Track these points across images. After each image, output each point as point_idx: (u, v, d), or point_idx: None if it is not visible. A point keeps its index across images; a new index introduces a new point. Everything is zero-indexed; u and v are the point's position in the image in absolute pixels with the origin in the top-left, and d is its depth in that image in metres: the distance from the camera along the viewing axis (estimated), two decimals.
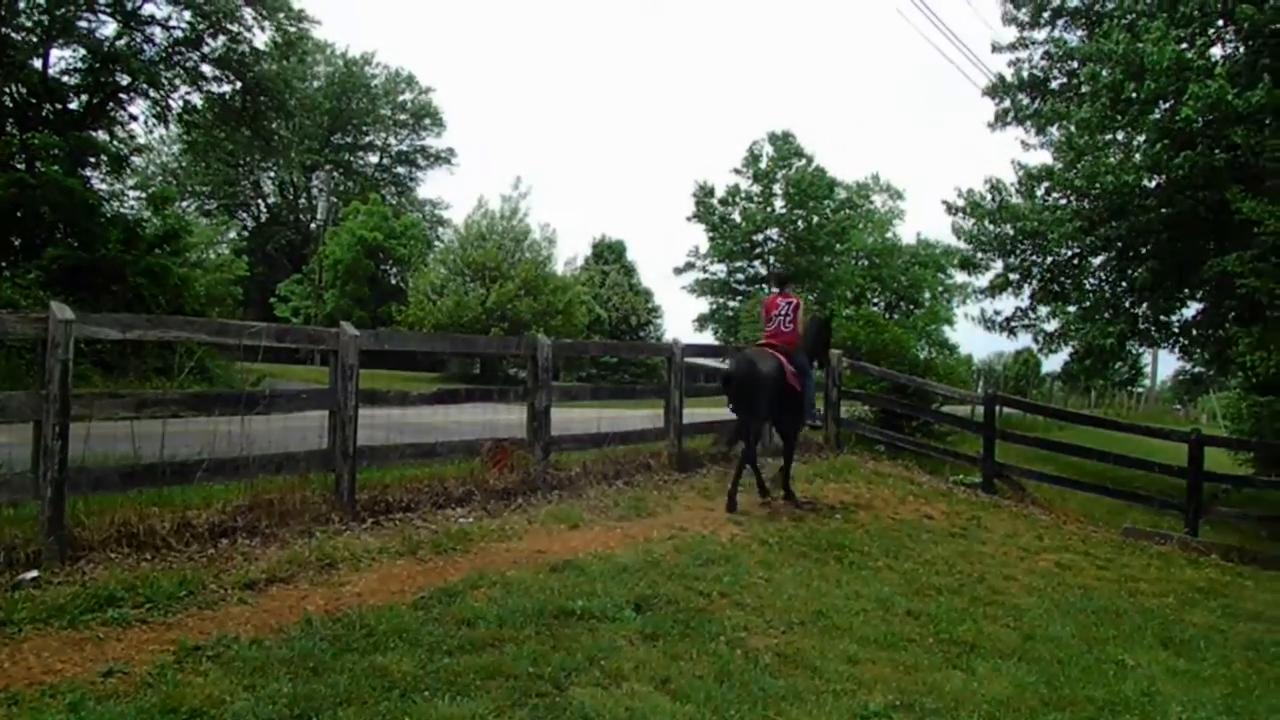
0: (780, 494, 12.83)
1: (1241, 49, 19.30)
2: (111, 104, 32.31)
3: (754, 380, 12.22)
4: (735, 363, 12.87)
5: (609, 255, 70.17)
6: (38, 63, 29.87)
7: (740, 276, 75.27)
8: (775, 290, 13.80)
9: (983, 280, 25.04)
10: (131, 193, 36.37)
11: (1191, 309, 22.93)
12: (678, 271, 76.31)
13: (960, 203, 24.64)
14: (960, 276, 32.07)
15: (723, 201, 73.98)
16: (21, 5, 29.24)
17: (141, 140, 38.10)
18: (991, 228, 23.94)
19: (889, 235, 78.70)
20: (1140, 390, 65.53)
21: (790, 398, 12.58)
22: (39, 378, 7.36)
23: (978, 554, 11.46)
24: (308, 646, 5.89)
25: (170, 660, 5.59)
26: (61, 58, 31.04)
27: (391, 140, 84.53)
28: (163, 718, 4.82)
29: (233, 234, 75.29)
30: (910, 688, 6.42)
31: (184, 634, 6.04)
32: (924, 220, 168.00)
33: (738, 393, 12.44)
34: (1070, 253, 23.05)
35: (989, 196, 24.05)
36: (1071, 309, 23.12)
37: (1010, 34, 24.80)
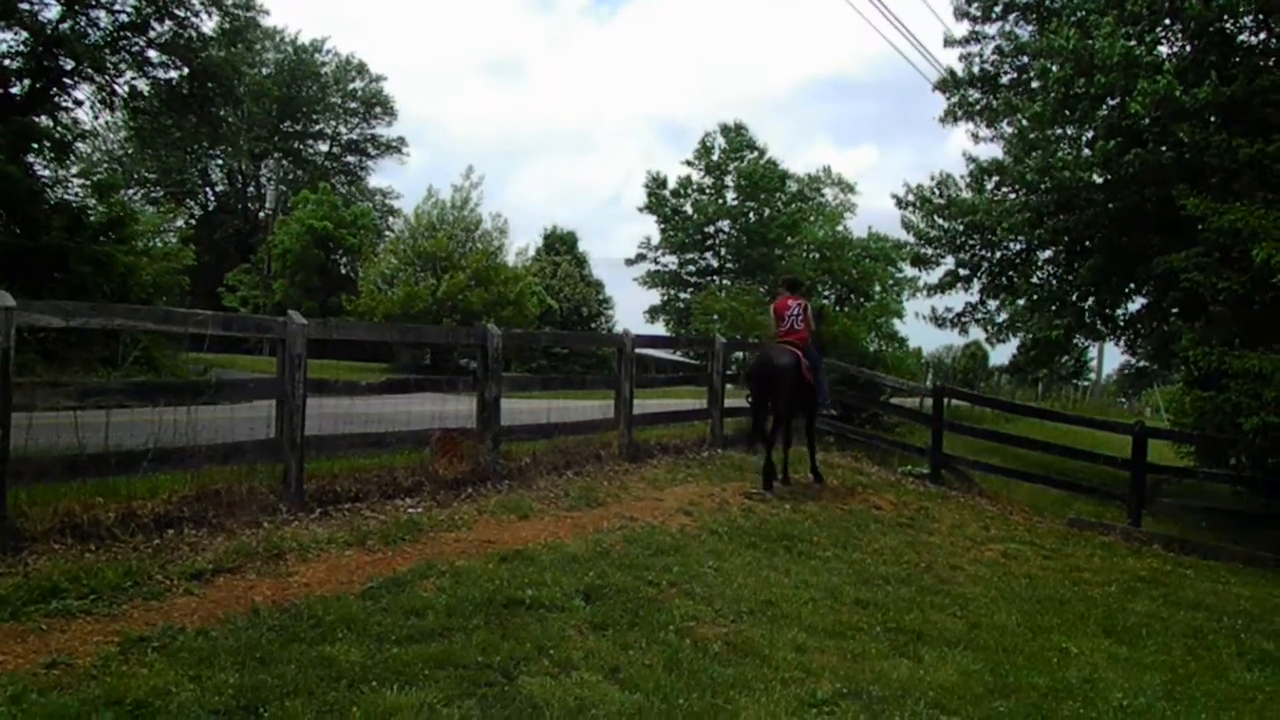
0: (809, 476, 14.43)
1: (1188, 46, 19.49)
2: (55, 89, 31.76)
3: (773, 374, 13.38)
4: (756, 358, 14.24)
5: (560, 246, 70.04)
6: None
7: (691, 268, 75.52)
8: (785, 293, 14.58)
9: (933, 276, 25.15)
10: (76, 179, 35.70)
11: (1136, 303, 23.15)
12: (629, 263, 76.50)
13: (910, 197, 24.73)
14: (911, 270, 32.30)
15: (674, 193, 74.18)
16: None
17: (86, 126, 37.43)
18: (941, 222, 24.04)
19: (840, 228, 78.87)
20: (1086, 384, 66.27)
21: (806, 389, 13.90)
22: None
23: (925, 544, 11.56)
24: (255, 637, 5.87)
25: (115, 651, 5.55)
26: (3, 40, 30.50)
27: (342, 129, 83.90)
28: (107, 709, 4.78)
29: (180, 222, 74.09)
30: (858, 676, 6.46)
31: (129, 625, 6.00)
32: (875, 214, 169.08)
33: (759, 386, 13.65)
34: (1019, 246, 23.17)
35: (937, 191, 24.15)
36: (1020, 302, 23.28)
37: (963, 29, 24.90)
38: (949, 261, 24.70)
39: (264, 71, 72.97)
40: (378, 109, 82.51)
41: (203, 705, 4.91)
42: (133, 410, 8.68)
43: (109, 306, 10.75)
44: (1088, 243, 21.77)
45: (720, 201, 73.29)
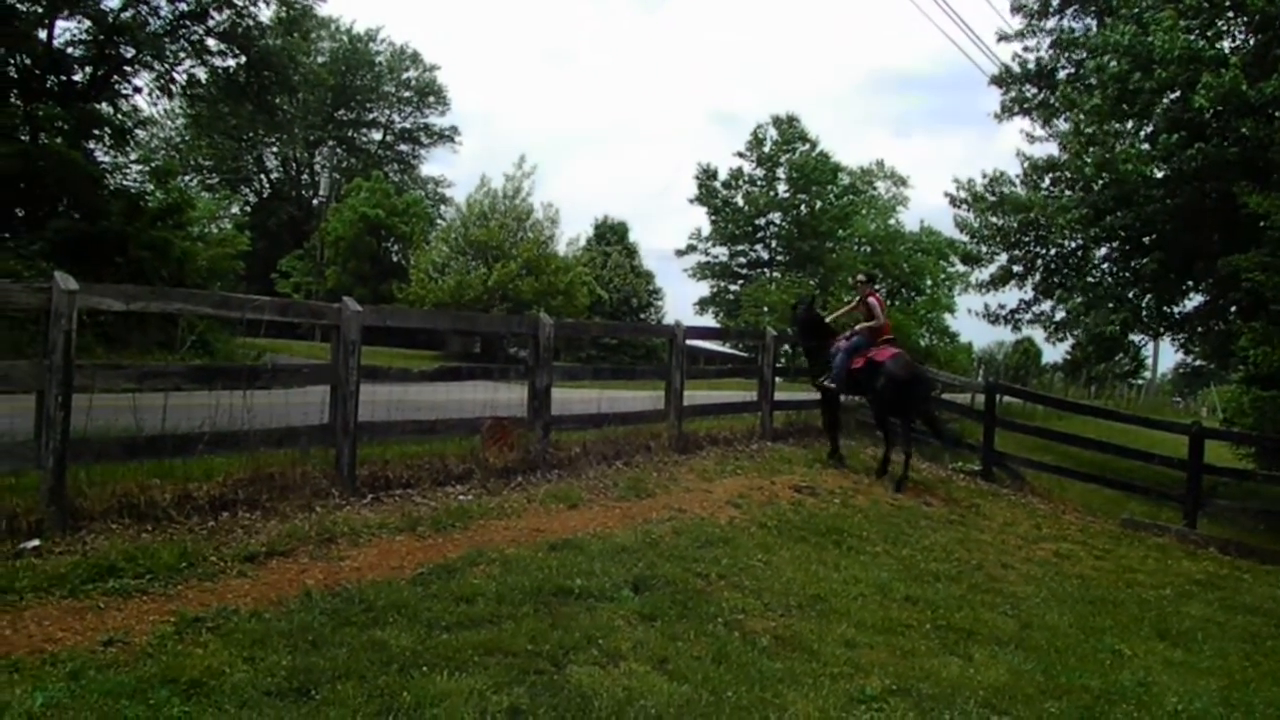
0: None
1: (1251, 40, 19.22)
2: (116, 76, 32.14)
3: (920, 381, 14.89)
4: (902, 364, 14.42)
5: (611, 236, 70.13)
6: (43, 34, 29.75)
7: (742, 260, 75.35)
8: (875, 288, 15.82)
9: (985, 273, 24.96)
10: (135, 166, 36.14)
11: (1195, 300, 22.89)
12: (679, 254, 76.44)
13: (962, 195, 24.56)
14: (963, 265, 32.03)
15: (725, 185, 74.04)
16: None
17: (145, 113, 37.86)
18: (994, 220, 23.86)
19: (892, 222, 78.59)
20: (1140, 382, 65.49)
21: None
22: (42, 348, 7.36)
23: (976, 541, 11.49)
24: (307, 620, 5.92)
25: (170, 631, 5.62)
26: (66, 29, 30.86)
27: (395, 117, 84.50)
28: (163, 688, 4.83)
29: (235, 209, 74.98)
30: (908, 673, 6.43)
31: (184, 605, 6.07)
32: (928, 207, 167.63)
33: (907, 392, 14.24)
34: (1074, 243, 22.98)
35: (991, 188, 23.97)
36: (1077, 299, 23.04)
37: (1018, 23, 24.71)
38: (1002, 258, 24.52)
39: (319, 60, 73.42)
40: (431, 98, 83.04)
41: (256, 686, 4.96)
42: (189, 393, 8.78)
43: (168, 291, 10.86)
44: (1146, 239, 21.53)
45: (771, 193, 73.08)
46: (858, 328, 15.19)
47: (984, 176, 24.35)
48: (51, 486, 7.12)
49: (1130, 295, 22.47)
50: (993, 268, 24.72)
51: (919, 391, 14.58)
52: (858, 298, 15.85)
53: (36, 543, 6.80)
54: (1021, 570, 10.40)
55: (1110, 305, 22.06)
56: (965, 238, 25.31)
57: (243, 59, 32.95)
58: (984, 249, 24.60)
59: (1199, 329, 22.92)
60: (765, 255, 75.24)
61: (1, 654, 5.14)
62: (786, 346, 19.54)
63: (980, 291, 25.31)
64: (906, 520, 11.94)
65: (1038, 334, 25.84)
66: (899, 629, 7.43)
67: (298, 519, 8.25)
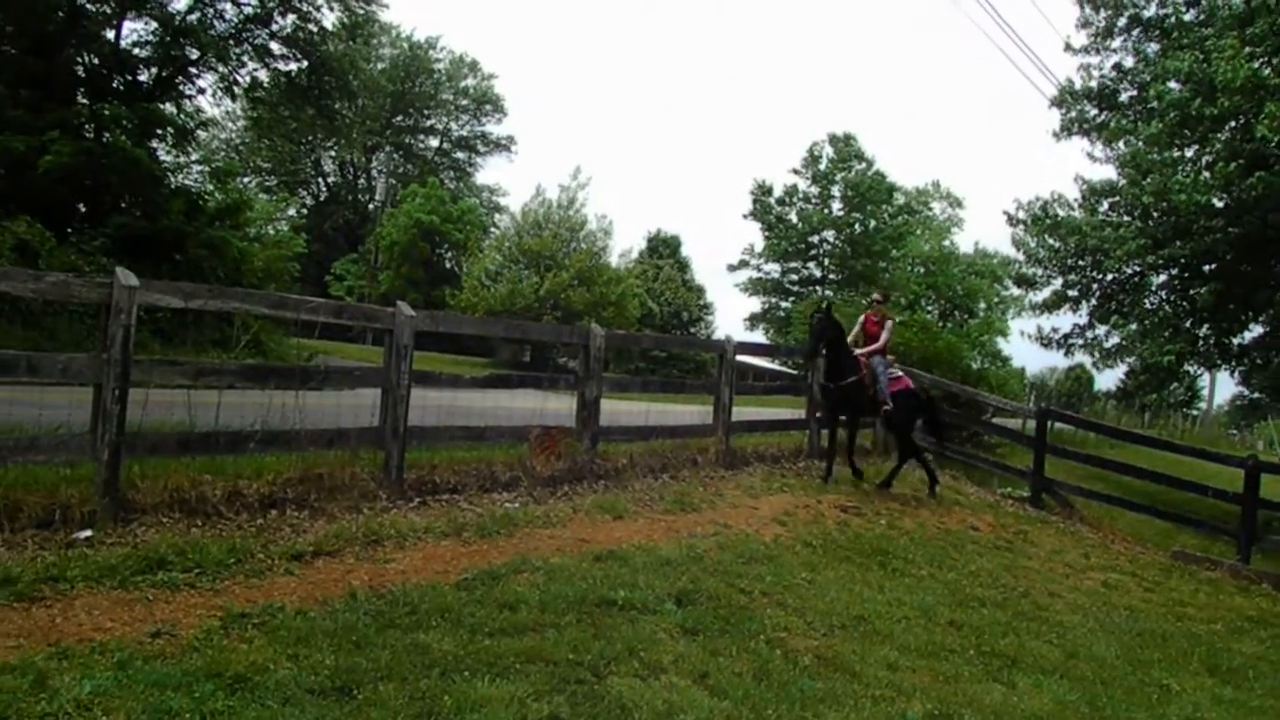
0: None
1: None
2: (180, 77, 32.60)
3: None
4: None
5: (664, 249, 70.17)
6: (110, 34, 30.22)
7: (794, 277, 75.06)
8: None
9: (1040, 296, 24.77)
10: (195, 166, 36.64)
11: (1254, 331, 22.60)
12: (731, 269, 76.24)
13: (1021, 215, 24.40)
14: (1017, 289, 31.82)
15: (780, 201, 73.80)
16: None
17: (207, 115, 38.40)
18: (1052, 242, 23.68)
19: (946, 243, 78.06)
20: (1196, 413, 64.69)
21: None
22: (101, 342, 7.46)
23: (1023, 568, 11.38)
24: (351, 620, 5.95)
25: (217, 626, 5.68)
26: (134, 30, 31.33)
27: (452, 125, 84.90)
28: (208, 681, 4.87)
29: (292, 211, 75.66)
30: (950, 698, 6.37)
31: (231, 601, 6.13)
32: (983, 229, 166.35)
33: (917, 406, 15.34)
34: (1131, 270, 22.77)
35: (1049, 210, 23.81)
36: (1132, 326, 22.82)
37: (1083, 39, 24.53)
38: (1057, 282, 24.33)
39: (379, 67, 74.22)
40: (488, 106, 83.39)
41: (299, 684, 5.00)
42: (242, 391, 8.87)
43: (226, 290, 10.98)
44: (1205, 268, 21.29)
45: (826, 211, 72.79)
46: (870, 349, 14.69)
47: (1036, 199, 24.20)
48: (105, 479, 7.22)
49: (1187, 324, 22.23)
50: (1048, 291, 24.54)
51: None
52: (872, 316, 15.34)
53: (89, 533, 6.90)
54: (1069, 599, 10.28)
55: (1166, 334, 21.84)
56: (1021, 257, 25.15)
57: (305, 63, 33.32)
58: (1039, 271, 24.42)
59: (1258, 361, 22.61)
60: (818, 273, 74.90)
61: (52, 641, 5.21)
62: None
63: (1034, 314, 25.13)
64: (953, 544, 11.85)
65: (1089, 360, 25.53)
66: (942, 653, 7.37)
67: (345, 520, 8.31)
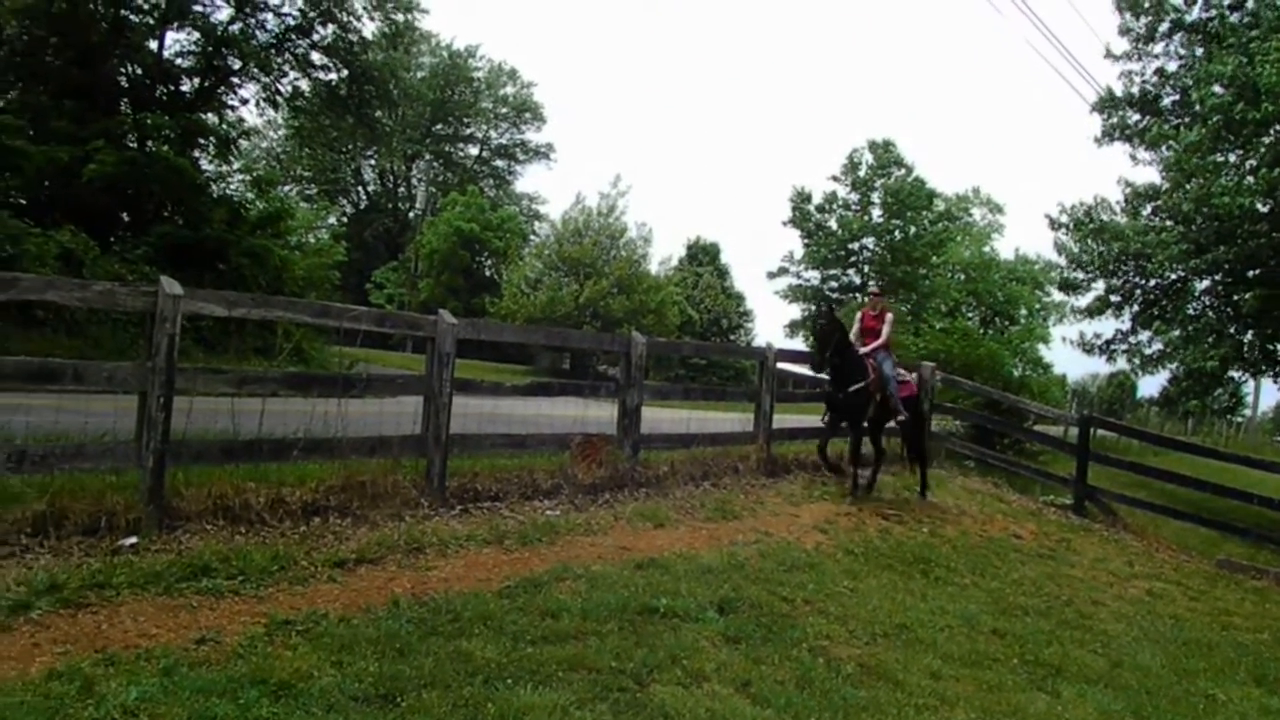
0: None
1: None
2: (222, 87, 32.96)
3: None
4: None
5: (703, 257, 70.16)
6: (153, 45, 30.57)
7: (834, 284, 74.81)
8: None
9: (1083, 301, 24.61)
10: (237, 175, 37.00)
11: None
12: (771, 276, 76.02)
13: (1063, 219, 24.25)
14: (1058, 295, 31.61)
15: (819, 208, 73.60)
16: None
17: (249, 124, 38.80)
18: (1095, 246, 23.51)
19: (987, 249, 77.70)
20: (1240, 419, 63.98)
21: None
22: (145, 350, 7.52)
23: (1066, 577, 11.27)
24: (394, 628, 5.96)
25: (261, 632, 5.70)
26: (176, 40, 31.75)
27: (492, 133, 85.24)
28: (252, 688, 4.89)
29: (332, 219, 76.42)
30: (994, 707, 6.33)
31: (274, 608, 6.15)
32: (1023, 235, 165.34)
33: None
34: (1174, 276, 22.58)
35: (1092, 214, 23.64)
36: (1175, 332, 22.62)
37: (1124, 46, 24.37)
38: (1099, 287, 24.16)
39: (419, 75, 74.56)
40: (527, 114, 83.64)
41: (343, 690, 5.01)
42: (285, 399, 8.92)
43: (269, 298, 11.06)
44: (1250, 273, 21.07)
45: (865, 218, 72.54)
46: (873, 347, 13.69)
47: (1080, 204, 24.03)
48: (150, 486, 7.27)
49: (1231, 331, 22.01)
50: (1090, 296, 24.38)
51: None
52: (869, 311, 14.47)
53: (134, 540, 6.94)
54: (1113, 608, 10.18)
55: (1209, 340, 21.62)
56: (1064, 261, 24.99)
57: (345, 73, 33.63)
58: (1081, 275, 24.26)
59: None
60: (857, 280, 74.59)
61: (98, 647, 5.25)
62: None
63: (1077, 319, 24.97)
64: (995, 552, 11.76)
65: (1130, 366, 25.30)
66: (985, 662, 7.32)
67: (387, 527, 8.33)
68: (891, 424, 14.12)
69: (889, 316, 14.41)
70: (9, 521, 6.77)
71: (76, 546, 6.76)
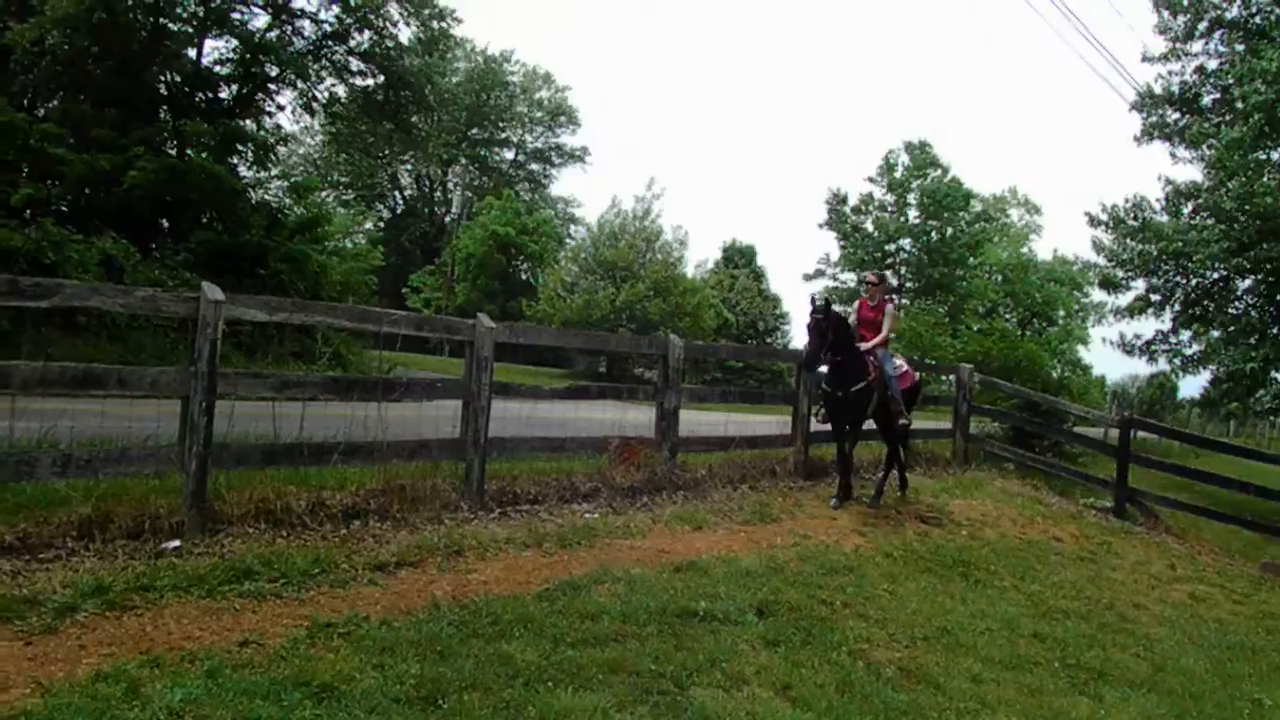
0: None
1: None
2: (260, 94, 33.19)
3: None
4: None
5: (739, 259, 70.02)
6: (192, 52, 30.85)
7: None
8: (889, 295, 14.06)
9: (1123, 300, 24.45)
10: (275, 181, 37.28)
11: None
12: (807, 278, 76.05)
13: (1103, 216, 24.08)
14: (1097, 295, 31.45)
15: (855, 210, 73.49)
16: None
17: (287, 130, 39.04)
18: (1134, 245, 23.35)
19: (1024, 250, 77.37)
20: None
21: None
22: (188, 356, 7.60)
23: (1107, 580, 11.18)
24: (435, 630, 5.99)
25: (303, 635, 5.74)
26: (215, 48, 32.00)
27: (527, 137, 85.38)
28: (295, 690, 4.94)
29: (369, 224, 76.92)
30: (1035, 711, 6.30)
31: (316, 610, 6.19)
32: (1061, 236, 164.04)
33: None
34: (1216, 275, 22.38)
35: (1132, 213, 23.47)
36: (1215, 333, 22.43)
37: (1162, 46, 24.18)
38: (1139, 286, 24.00)
39: (455, 80, 74.79)
40: (562, 118, 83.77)
41: (385, 693, 5.04)
42: (325, 403, 8.98)
43: (309, 303, 11.17)
44: None
45: (902, 219, 72.32)
46: (873, 343, 12.59)
47: (1127, 200, 23.85)
48: (193, 490, 7.34)
49: (1274, 330, 21.80)
50: (1130, 296, 24.22)
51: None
52: (867, 301, 13.32)
53: (177, 543, 7.01)
54: (1155, 611, 10.08)
55: (1252, 340, 21.41)
56: (1102, 260, 24.82)
57: (381, 78, 33.74)
58: (1121, 274, 24.09)
59: None
60: (894, 282, 74.47)
61: (143, 649, 5.30)
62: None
63: (1116, 319, 24.81)
64: (1035, 555, 11.67)
65: (1169, 367, 25.12)
66: (1027, 666, 7.28)
67: (427, 530, 8.37)
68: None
69: (889, 309, 13.25)
70: (55, 525, 6.86)
71: (121, 550, 6.83)
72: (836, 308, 13.12)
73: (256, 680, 5.01)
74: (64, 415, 7.88)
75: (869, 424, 12.98)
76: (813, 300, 12.02)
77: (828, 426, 12.71)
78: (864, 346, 12.43)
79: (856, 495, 12.78)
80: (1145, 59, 24.49)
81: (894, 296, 13.42)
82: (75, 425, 7.99)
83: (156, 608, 5.91)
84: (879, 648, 7.07)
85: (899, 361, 13.40)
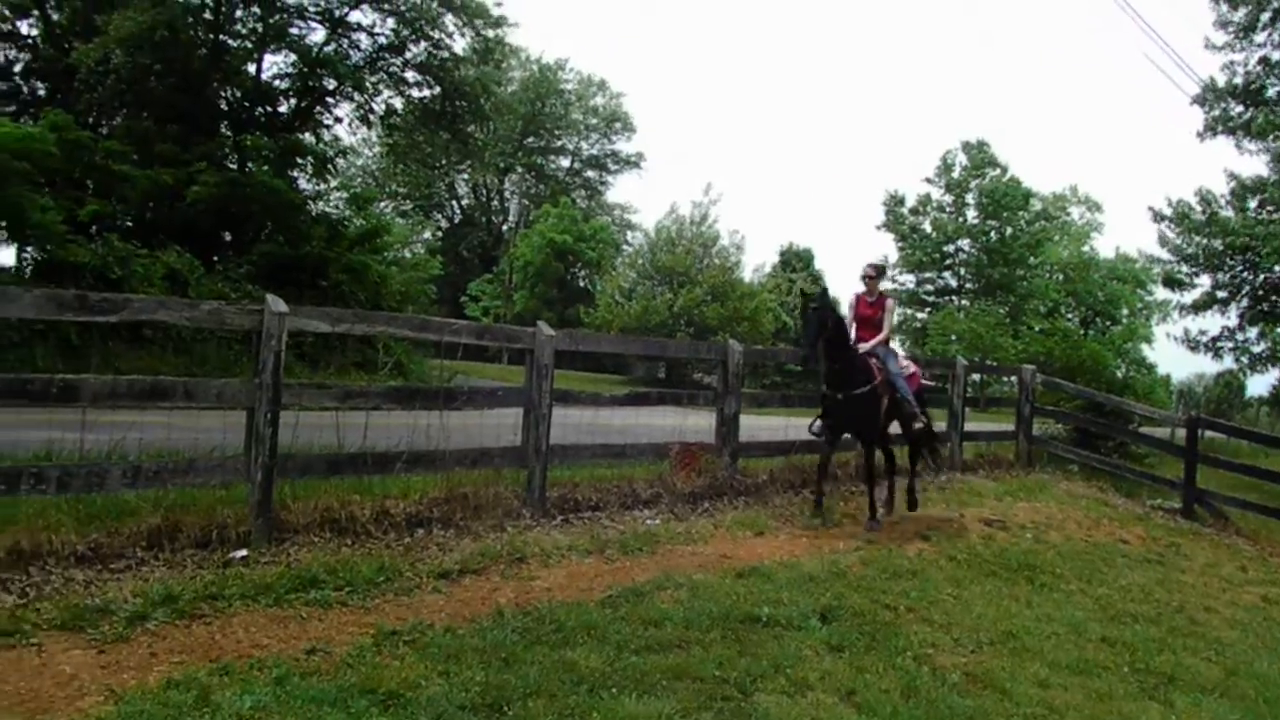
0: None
1: None
2: (318, 107, 33.61)
3: None
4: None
5: (796, 263, 69.80)
6: (252, 68, 31.30)
7: (929, 288, 74.15)
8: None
9: (1188, 297, 24.13)
10: (334, 193, 37.73)
11: None
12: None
13: (1167, 211, 23.79)
14: (1161, 293, 31.11)
15: (913, 211, 73.08)
16: (238, 13, 30.68)
17: (345, 143, 39.47)
18: (1200, 240, 23.04)
19: (1086, 249, 76.52)
20: None
21: None
22: (252, 367, 7.70)
23: (1176, 582, 11.00)
24: (499, 637, 6.02)
25: (369, 643, 5.79)
26: (274, 63, 32.55)
27: (583, 144, 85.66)
28: (362, 697, 4.98)
29: (427, 234, 77.55)
30: (1104, 717, 6.23)
31: (381, 618, 6.25)
32: (1123, 234, 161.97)
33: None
34: None
35: (1198, 207, 23.16)
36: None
37: (1223, 38, 23.86)
38: (1205, 282, 23.69)
39: (510, 89, 75.18)
40: (617, 124, 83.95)
41: (450, 700, 5.07)
42: (387, 413, 9.05)
43: (371, 314, 11.28)
44: None
45: (960, 220, 71.78)
46: (873, 343, 11.53)
47: (1199, 192, 23.52)
48: (259, 500, 7.43)
49: None
50: (1197, 292, 23.91)
51: None
52: (865, 296, 12.00)
53: (244, 552, 7.10)
54: (1226, 614, 9.90)
55: None
56: (1166, 255, 24.52)
57: (438, 89, 34.02)
58: (1185, 269, 23.80)
59: None
60: (953, 283, 73.89)
61: (213, 657, 5.37)
62: (974, 375, 18.81)
63: (1182, 316, 24.51)
64: (1102, 558, 11.51)
65: (1236, 364, 24.76)
66: (1095, 670, 7.17)
67: (489, 538, 8.41)
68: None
69: (889, 304, 12.02)
70: (125, 535, 6.97)
71: (189, 559, 6.94)
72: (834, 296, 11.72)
73: (324, 687, 5.06)
74: (132, 427, 7.99)
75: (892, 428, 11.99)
76: (802, 292, 11.58)
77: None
78: (864, 347, 11.37)
79: (828, 508, 11.50)
80: (1208, 47, 24.17)
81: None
82: (143, 437, 8.11)
83: (225, 616, 5.99)
84: (944, 652, 7.01)
85: (904, 361, 12.33)
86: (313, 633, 5.91)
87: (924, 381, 13.32)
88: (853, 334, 11.47)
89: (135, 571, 6.62)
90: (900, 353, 12.28)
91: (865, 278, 11.98)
